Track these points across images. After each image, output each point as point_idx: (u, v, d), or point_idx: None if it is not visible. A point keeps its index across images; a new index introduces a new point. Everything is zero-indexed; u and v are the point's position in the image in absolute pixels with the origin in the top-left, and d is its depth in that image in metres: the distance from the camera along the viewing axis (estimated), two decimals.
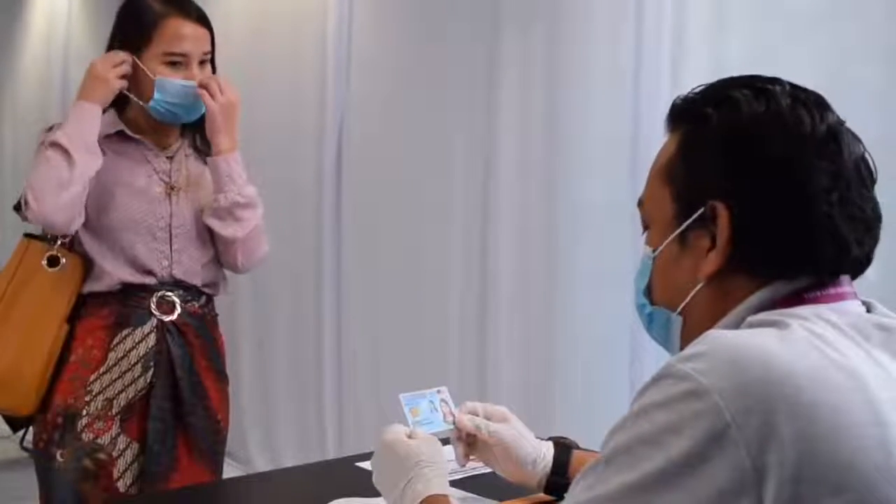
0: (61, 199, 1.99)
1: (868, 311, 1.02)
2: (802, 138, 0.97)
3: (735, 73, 1.07)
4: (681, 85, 2.43)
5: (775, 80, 1.02)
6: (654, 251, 1.08)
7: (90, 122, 2.06)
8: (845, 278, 1.01)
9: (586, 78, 2.94)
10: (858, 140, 1.01)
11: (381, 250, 3.83)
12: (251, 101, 2.61)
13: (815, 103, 1.00)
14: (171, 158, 2.20)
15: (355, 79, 3.96)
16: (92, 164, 2.04)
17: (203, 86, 2.10)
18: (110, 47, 2.13)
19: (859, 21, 2.32)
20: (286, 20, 4.30)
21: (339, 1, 3.99)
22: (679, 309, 1.06)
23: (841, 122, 1.01)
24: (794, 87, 1.02)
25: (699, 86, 1.07)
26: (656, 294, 1.10)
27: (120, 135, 2.16)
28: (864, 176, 1.00)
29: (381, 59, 3.84)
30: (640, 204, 1.12)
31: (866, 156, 1.01)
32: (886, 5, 2.28)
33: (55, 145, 2.02)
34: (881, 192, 1.02)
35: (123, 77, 2.09)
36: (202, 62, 2.13)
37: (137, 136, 2.16)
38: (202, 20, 2.12)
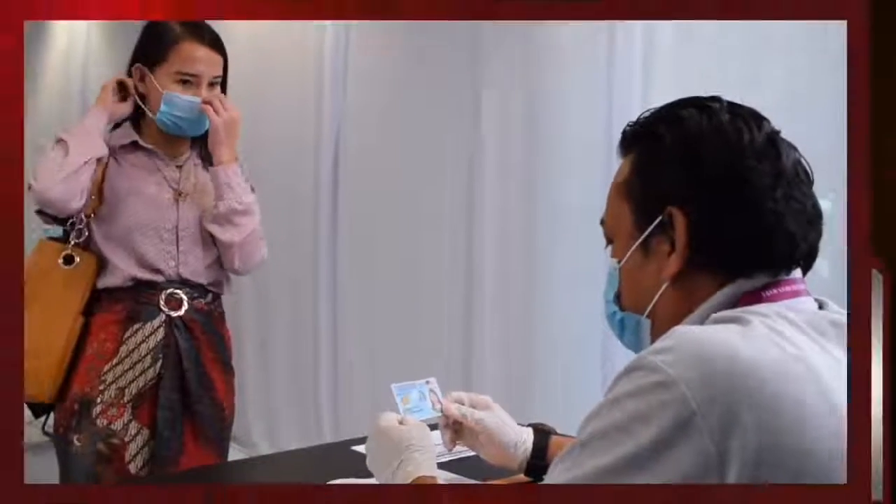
0: (56, 177, 2.04)
1: (821, 307, 1.04)
2: (743, 146, 1.00)
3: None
4: (649, 99, 2.43)
5: (715, 99, 1.06)
6: (619, 262, 1.09)
7: (90, 118, 2.13)
8: (798, 276, 1.03)
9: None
10: (793, 147, 1.04)
11: (376, 259, 3.79)
12: (252, 115, 2.60)
13: (751, 115, 1.04)
14: (180, 167, 2.22)
15: (351, 90, 3.93)
16: (87, 149, 2.08)
17: (207, 102, 2.11)
18: (132, 60, 2.17)
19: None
20: (284, 35, 4.27)
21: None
22: (647, 311, 1.07)
23: (776, 132, 1.04)
24: (731, 103, 1.06)
25: (645, 111, 1.10)
26: (625, 301, 1.11)
27: (134, 145, 2.18)
28: (801, 177, 1.03)
29: (378, 70, 3.81)
30: (603, 222, 1.14)
31: (802, 160, 1.04)
32: None
33: (57, 141, 2.10)
34: None
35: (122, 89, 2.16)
36: (212, 84, 2.15)
37: (150, 146, 2.18)
38: (216, 45, 2.14)
